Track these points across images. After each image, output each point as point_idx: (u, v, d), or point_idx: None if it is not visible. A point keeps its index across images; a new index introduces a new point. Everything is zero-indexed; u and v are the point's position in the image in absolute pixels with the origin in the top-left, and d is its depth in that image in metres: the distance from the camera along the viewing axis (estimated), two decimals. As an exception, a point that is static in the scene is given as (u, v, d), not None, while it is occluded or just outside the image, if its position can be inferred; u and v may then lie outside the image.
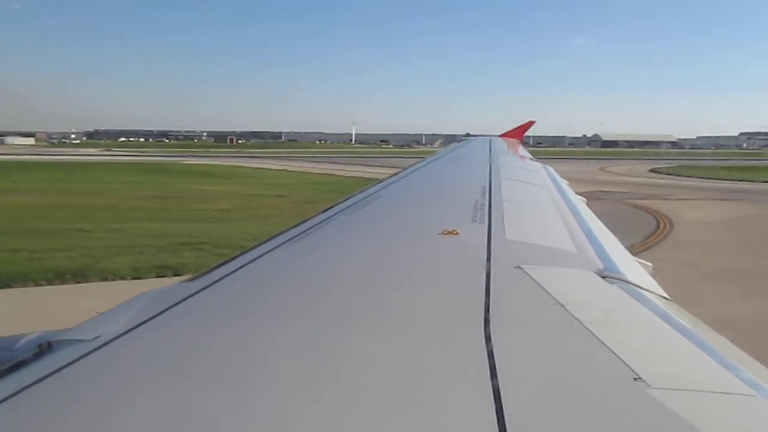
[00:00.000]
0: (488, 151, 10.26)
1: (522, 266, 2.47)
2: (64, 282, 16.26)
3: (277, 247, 2.89)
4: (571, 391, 1.38)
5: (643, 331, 1.97)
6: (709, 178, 60.13)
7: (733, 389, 1.47)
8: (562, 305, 1.98)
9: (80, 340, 1.68)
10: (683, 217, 31.85)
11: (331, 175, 61.18)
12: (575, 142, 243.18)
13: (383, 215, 4.15)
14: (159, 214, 30.55)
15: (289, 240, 3.05)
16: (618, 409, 1.31)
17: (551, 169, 8.73)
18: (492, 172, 6.81)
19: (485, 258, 2.62)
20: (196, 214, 30.36)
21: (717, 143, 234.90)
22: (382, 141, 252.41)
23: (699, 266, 20.41)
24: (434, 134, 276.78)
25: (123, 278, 16.71)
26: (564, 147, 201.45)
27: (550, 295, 2.10)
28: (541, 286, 2.22)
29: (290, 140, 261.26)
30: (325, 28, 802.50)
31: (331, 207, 4.18)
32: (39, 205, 33.32)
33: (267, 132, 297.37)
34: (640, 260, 3.47)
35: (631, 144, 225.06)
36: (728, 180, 58.39)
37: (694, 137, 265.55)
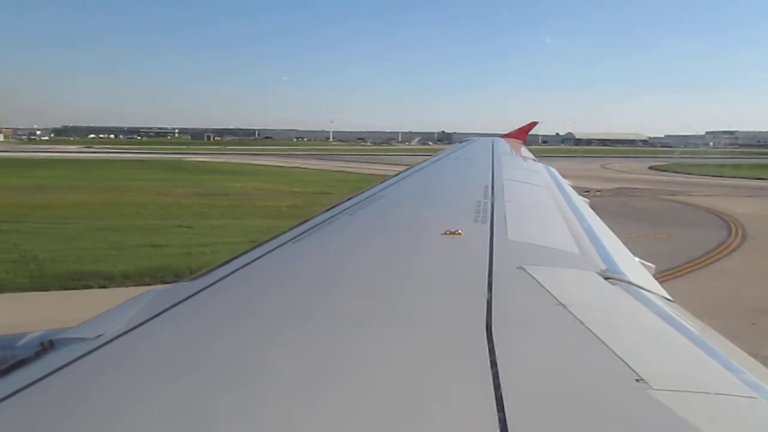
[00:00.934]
0: (491, 152, 10.23)
1: (524, 266, 2.48)
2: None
3: (279, 246, 2.90)
4: (572, 391, 1.39)
5: (646, 333, 1.98)
6: (714, 176, 62.30)
7: (735, 391, 1.47)
8: (564, 306, 1.98)
9: (82, 339, 1.69)
10: (734, 212, 33.29)
11: (348, 172, 61.48)
12: (549, 140, 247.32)
13: (385, 215, 4.17)
14: (231, 212, 30.52)
15: (290, 240, 3.06)
16: (620, 411, 1.32)
17: (554, 170, 8.85)
18: (494, 173, 6.82)
19: (487, 258, 2.63)
20: (270, 211, 30.17)
21: (685, 142, 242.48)
22: (359, 139, 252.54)
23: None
24: (409, 132, 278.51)
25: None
26: (539, 145, 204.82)
27: (552, 295, 2.10)
28: (543, 286, 2.22)
29: (266, 138, 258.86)
30: (300, 25, 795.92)
31: (333, 207, 4.20)
32: (92, 202, 32.86)
33: (240, 129, 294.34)
34: (642, 261, 3.48)
35: (603, 142, 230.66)
36: (735, 177, 60.73)
37: (662, 136, 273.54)
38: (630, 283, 2.55)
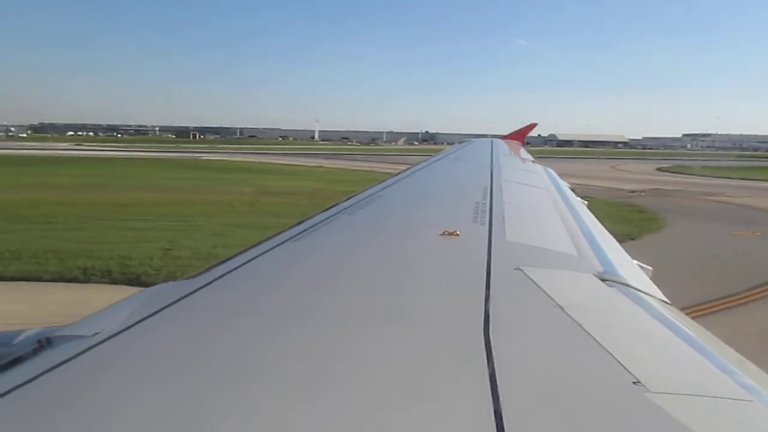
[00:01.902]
0: (490, 153, 10.17)
1: (522, 268, 2.48)
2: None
3: (277, 246, 2.90)
4: (569, 394, 1.39)
5: (643, 335, 1.98)
6: (727, 178, 64.18)
7: (732, 394, 1.47)
8: (562, 308, 1.99)
9: (79, 337, 1.69)
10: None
11: (377, 171, 61.76)
12: (532, 141, 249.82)
13: (383, 215, 4.15)
14: (307, 210, 30.65)
15: (288, 239, 3.06)
16: (616, 413, 1.32)
17: (552, 172, 8.84)
18: (493, 174, 6.83)
19: (485, 259, 2.63)
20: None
21: (664, 144, 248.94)
22: (343, 138, 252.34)
23: None
24: (392, 132, 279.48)
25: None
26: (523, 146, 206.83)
27: (549, 297, 2.11)
28: (541, 288, 2.23)
29: (250, 136, 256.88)
30: (282, 25, 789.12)
31: (331, 206, 4.19)
32: (177, 201, 32.62)
33: (222, 128, 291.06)
34: (640, 264, 3.49)
35: (585, 144, 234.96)
36: (754, 180, 62.69)
37: (640, 137, 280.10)
38: (627, 285, 2.55)
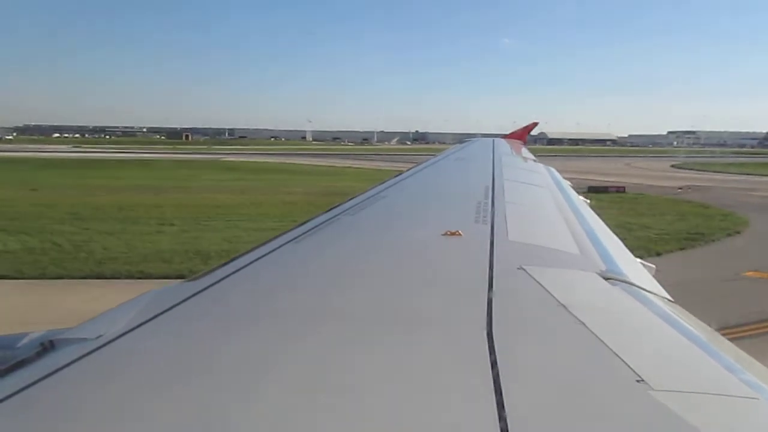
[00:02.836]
0: (491, 152, 10.15)
1: (524, 267, 2.48)
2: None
3: (280, 247, 2.91)
4: (573, 392, 1.39)
5: (646, 333, 1.98)
6: (746, 174, 66.20)
7: (736, 392, 1.47)
8: (565, 306, 1.99)
9: (83, 339, 1.69)
10: None
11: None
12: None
13: (386, 216, 4.15)
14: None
15: (291, 240, 3.06)
16: (620, 411, 1.32)
17: (554, 170, 8.86)
18: (495, 173, 6.79)
19: (488, 259, 2.64)
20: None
21: (651, 141, 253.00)
22: (335, 138, 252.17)
23: None
24: (383, 131, 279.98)
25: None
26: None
27: (552, 296, 2.11)
28: (543, 287, 2.22)
29: (240, 137, 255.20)
30: (273, 27, 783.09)
31: (334, 207, 4.18)
32: (260, 201, 33.27)
33: (210, 128, 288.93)
34: (643, 262, 3.49)
35: (575, 142, 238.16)
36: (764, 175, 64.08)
37: (626, 135, 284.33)
38: (630, 283, 2.55)
